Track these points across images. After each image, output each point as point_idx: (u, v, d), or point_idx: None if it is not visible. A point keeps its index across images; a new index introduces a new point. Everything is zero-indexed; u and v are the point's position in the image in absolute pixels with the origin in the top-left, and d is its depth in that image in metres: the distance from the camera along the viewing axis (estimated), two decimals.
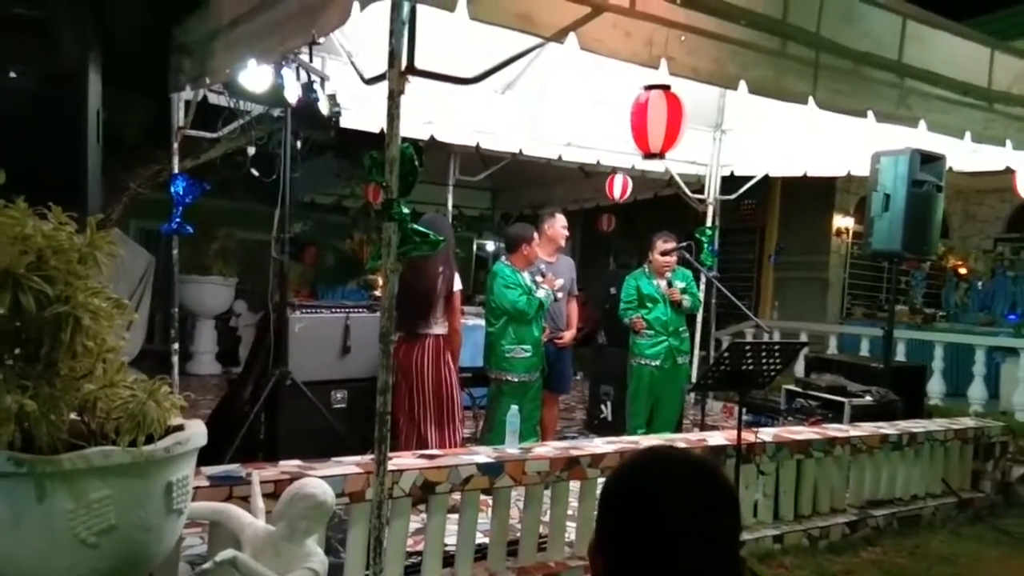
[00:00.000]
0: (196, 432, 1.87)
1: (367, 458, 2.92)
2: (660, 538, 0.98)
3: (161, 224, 4.73)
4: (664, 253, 5.46)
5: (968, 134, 4.05)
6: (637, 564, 0.99)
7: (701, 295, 6.12)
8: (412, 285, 4.04)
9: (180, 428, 1.86)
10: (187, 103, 4.71)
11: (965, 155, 5.41)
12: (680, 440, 4.24)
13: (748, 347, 3.75)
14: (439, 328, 4.27)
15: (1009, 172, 5.47)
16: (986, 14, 8.87)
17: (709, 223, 6.95)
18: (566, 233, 5.42)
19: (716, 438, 4.16)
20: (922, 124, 3.84)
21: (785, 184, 10.23)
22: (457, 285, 4.33)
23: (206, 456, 2.51)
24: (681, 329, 5.55)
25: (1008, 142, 4.26)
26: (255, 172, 4.43)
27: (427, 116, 5.77)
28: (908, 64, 3.68)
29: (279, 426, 4.27)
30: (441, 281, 4.23)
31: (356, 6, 2.46)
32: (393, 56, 2.34)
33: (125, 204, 6.10)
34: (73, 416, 1.70)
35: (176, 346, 4.84)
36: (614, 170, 7.77)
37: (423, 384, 4.19)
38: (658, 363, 5.41)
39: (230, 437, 3.87)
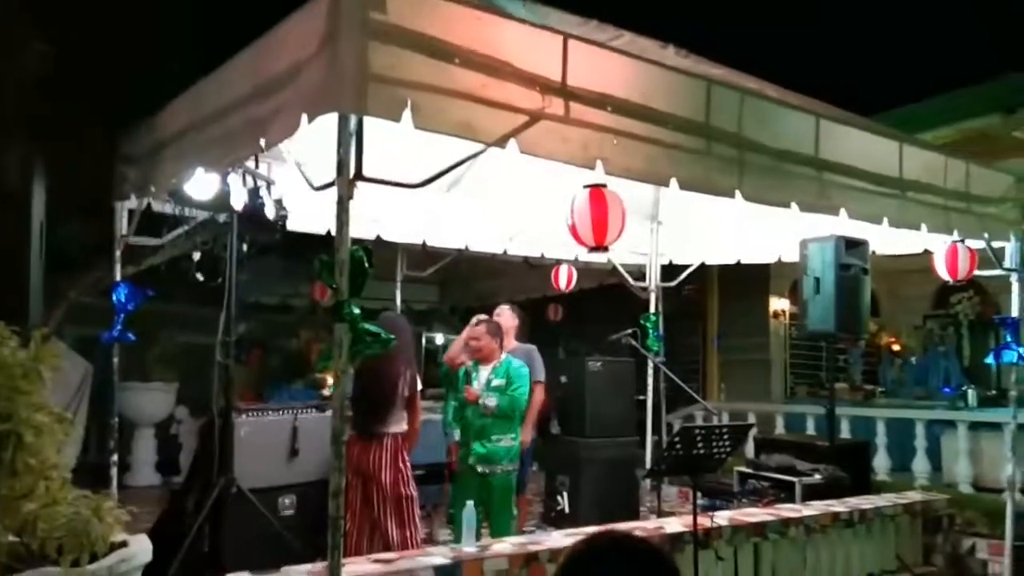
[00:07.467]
0: (141, 549, 1.82)
1: (320, 566, 2.83)
2: None
3: (100, 331, 4.61)
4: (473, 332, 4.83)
5: (886, 220, 4.32)
6: None
7: (650, 380, 6.12)
8: (371, 384, 4.03)
9: (124, 544, 1.80)
10: (131, 211, 4.70)
11: (887, 239, 5.74)
12: (637, 528, 4.21)
13: (698, 431, 3.81)
14: (396, 427, 4.24)
15: (928, 253, 5.81)
16: (891, 109, 9.58)
17: (653, 309, 7.13)
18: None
19: (673, 524, 4.15)
20: (843, 212, 4.09)
21: (722, 270, 10.60)
22: (418, 384, 4.35)
23: (149, 573, 2.41)
24: (495, 436, 4.74)
25: (923, 226, 4.55)
26: (200, 277, 4.42)
27: (374, 214, 5.87)
28: (824, 159, 3.96)
29: (225, 537, 4.10)
30: (402, 381, 4.24)
31: (304, 118, 2.55)
32: (342, 165, 2.43)
33: (63, 312, 5.96)
34: (12, 538, 1.64)
35: (115, 458, 4.65)
36: (558, 262, 7.96)
37: (381, 483, 4.13)
38: (464, 467, 4.84)
39: (173, 551, 3.70)
